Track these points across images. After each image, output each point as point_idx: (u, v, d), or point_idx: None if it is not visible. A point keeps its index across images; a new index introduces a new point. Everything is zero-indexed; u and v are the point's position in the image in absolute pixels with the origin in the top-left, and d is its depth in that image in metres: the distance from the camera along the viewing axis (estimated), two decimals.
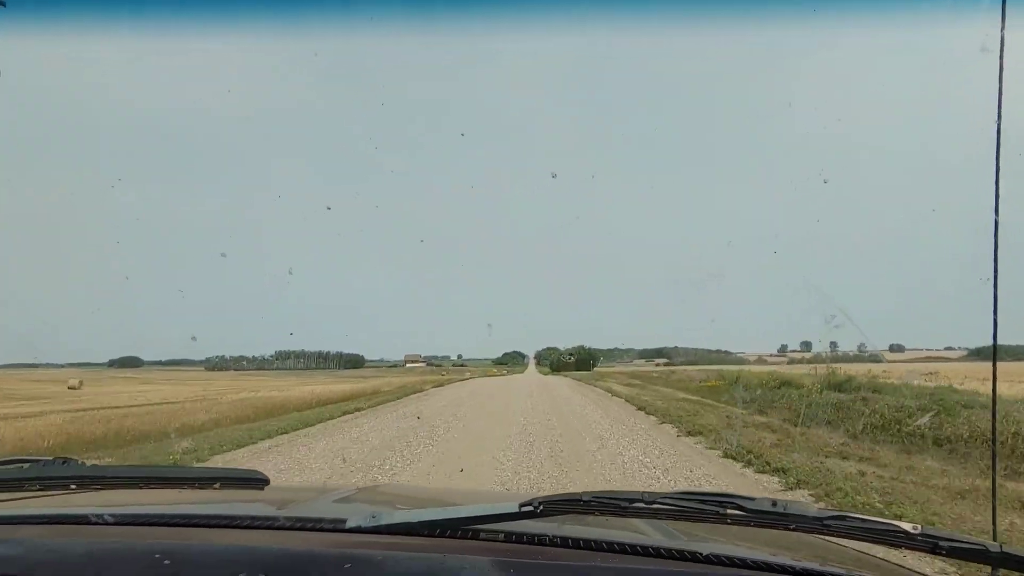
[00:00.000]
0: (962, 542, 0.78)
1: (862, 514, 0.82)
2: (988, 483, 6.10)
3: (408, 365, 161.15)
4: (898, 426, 10.08)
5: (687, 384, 26.44)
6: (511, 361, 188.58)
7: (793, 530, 0.84)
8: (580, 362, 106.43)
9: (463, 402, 19.68)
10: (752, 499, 0.84)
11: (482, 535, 0.85)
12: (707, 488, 6.08)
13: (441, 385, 34.34)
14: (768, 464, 7.33)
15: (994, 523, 1.86)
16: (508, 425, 12.60)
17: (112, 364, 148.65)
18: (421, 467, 7.84)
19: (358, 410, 16.26)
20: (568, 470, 7.51)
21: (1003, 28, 0.95)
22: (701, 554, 0.81)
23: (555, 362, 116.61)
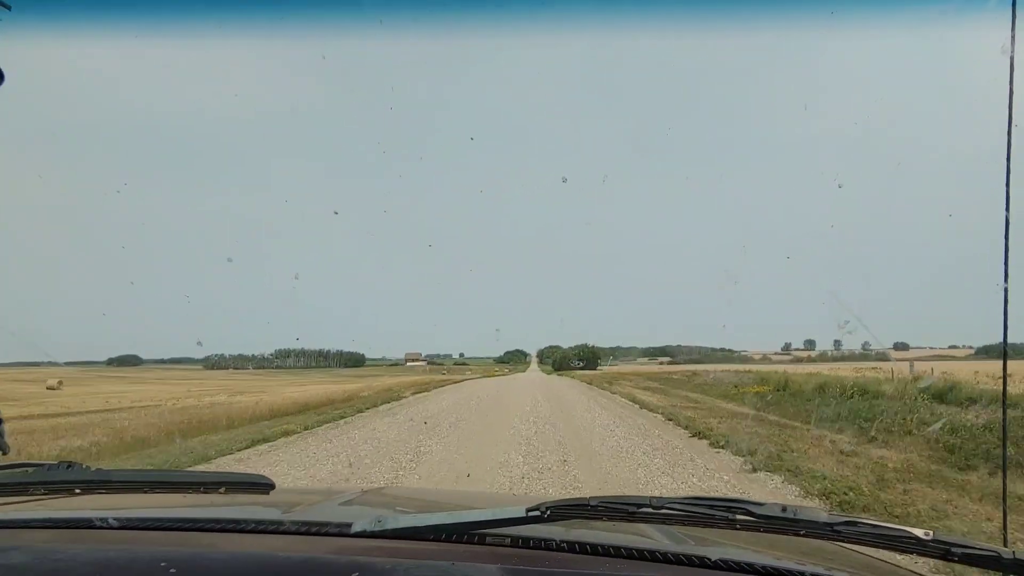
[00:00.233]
0: (974, 548, 0.78)
1: (873, 519, 0.82)
2: None
3: (408, 364, 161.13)
4: None
5: (722, 389, 21.26)
6: (513, 360, 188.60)
7: (804, 536, 0.83)
8: (584, 361, 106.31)
9: (438, 423, 12.88)
10: (762, 504, 0.83)
11: (489, 540, 0.85)
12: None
13: (426, 391, 26.76)
14: None
15: (1004, 529, 1.85)
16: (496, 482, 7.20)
17: (111, 362, 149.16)
18: None
19: (292, 432, 11.42)
20: None
21: (1013, 29, 0.96)
22: (710, 559, 0.80)
23: (557, 361, 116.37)
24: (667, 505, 0.84)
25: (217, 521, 0.95)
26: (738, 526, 0.83)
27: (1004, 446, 1.92)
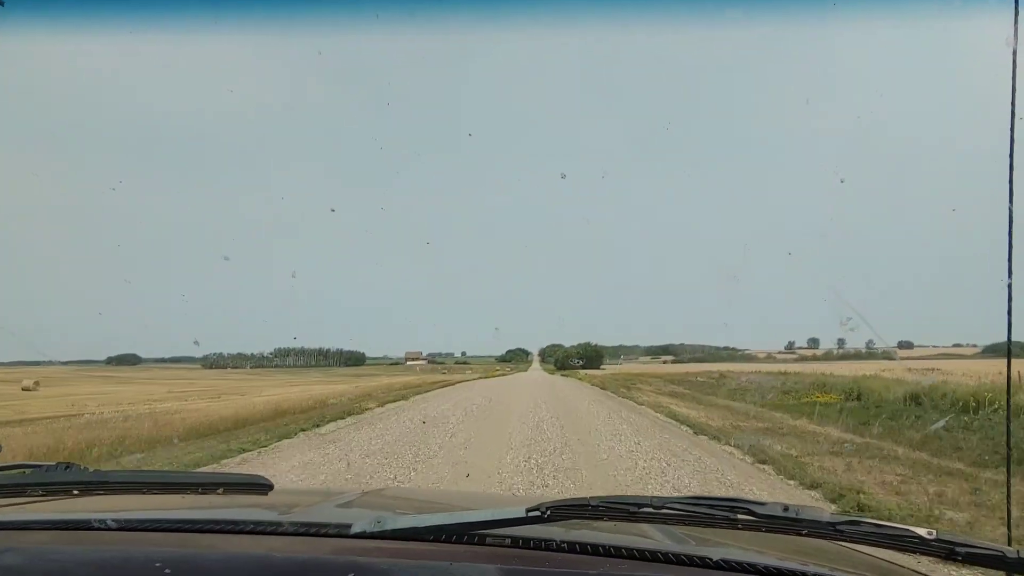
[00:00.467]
0: (978, 548, 0.78)
1: (876, 519, 0.82)
2: None
3: (409, 363, 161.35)
4: None
5: (773, 398, 17.90)
6: (515, 358, 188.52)
7: (806, 535, 0.84)
8: (587, 360, 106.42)
9: (387, 461, 8.68)
10: (763, 504, 0.83)
11: (489, 540, 0.85)
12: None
13: (403, 398, 21.56)
14: None
15: (1009, 528, 1.86)
16: None
17: (111, 361, 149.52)
18: None
19: (246, 451, 9.81)
20: None
21: (1016, 22, 0.95)
22: (712, 559, 0.80)
23: (560, 360, 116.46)
24: (668, 505, 0.84)
25: (215, 522, 0.96)
26: (740, 526, 0.83)
27: (1008, 444, 1.92)
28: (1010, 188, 1.20)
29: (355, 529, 0.86)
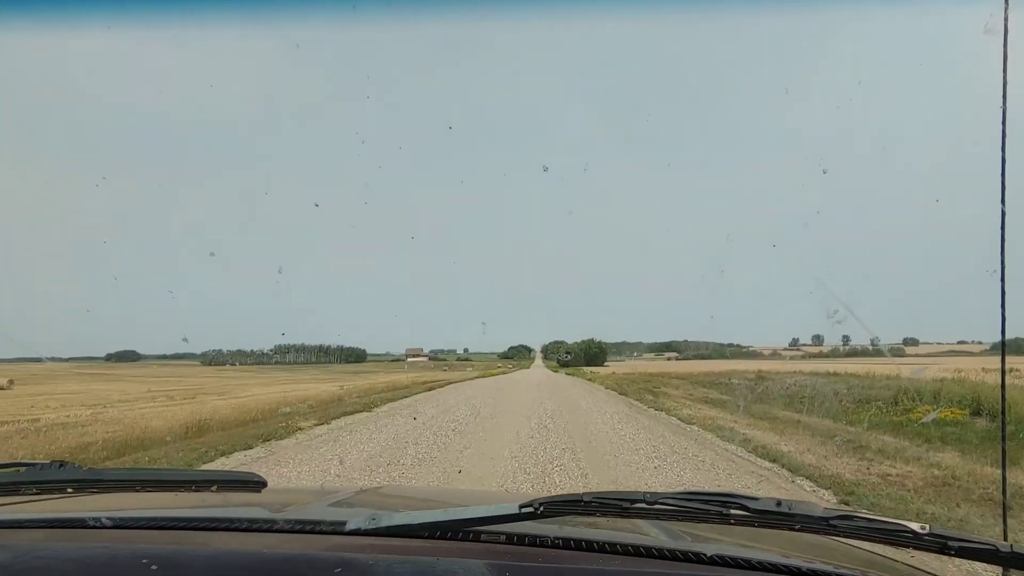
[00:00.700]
0: (972, 542, 0.78)
1: (869, 513, 0.82)
2: None
3: (409, 360, 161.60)
4: None
5: (856, 412, 13.79)
6: (517, 355, 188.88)
7: (799, 530, 0.84)
8: (590, 357, 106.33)
9: None
10: (756, 499, 0.84)
11: (483, 537, 0.86)
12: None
13: (374, 406, 16.68)
14: None
15: (1004, 522, 1.86)
16: None
17: (110, 358, 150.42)
18: None
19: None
20: None
21: (1007, 9, 0.94)
22: (705, 555, 0.81)
23: (563, 357, 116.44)
24: (661, 500, 0.84)
25: (209, 520, 0.96)
26: (733, 521, 0.84)
27: (1003, 439, 1.92)
28: (1002, 179, 1.19)
29: (349, 526, 0.87)
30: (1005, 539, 0.91)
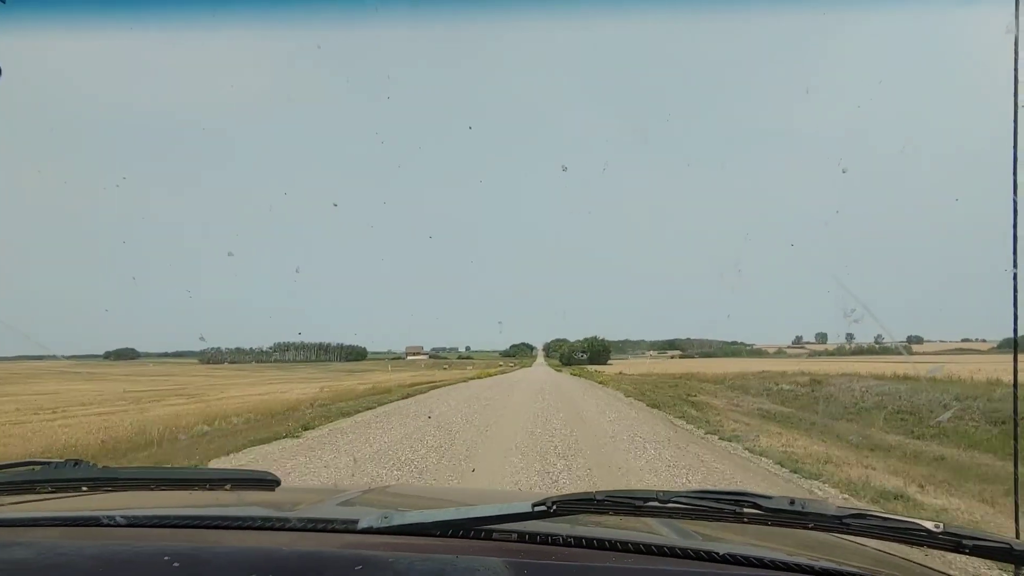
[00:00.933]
0: (985, 540, 0.78)
1: (882, 512, 0.83)
2: None
3: (409, 358, 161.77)
4: None
5: (980, 430, 10.81)
6: (519, 353, 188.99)
7: (812, 529, 0.85)
8: (594, 355, 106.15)
9: None
10: (770, 497, 0.84)
11: (495, 535, 0.87)
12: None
13: (308, 429, 12.13)
14: None
15: (1016, 521, 1.88)
16: None
17: (108, 356, 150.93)
18: None
19: None
20: None
21: (1017, 9, 0.96)
22: (718, 553, 0.81)
23: (566, 355, 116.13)
24: (674, 499, 0.85)
25: (223, 518, 0.98)
26: (746, 520, 0.85)
27: (1015, 436, 1.94)
28: (1014, 176, 1.21)
29: (362, 524, 0.88)
30: (1018, 537, 0.94)
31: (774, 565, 0.80)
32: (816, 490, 7.03)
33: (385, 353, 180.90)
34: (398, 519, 0.88)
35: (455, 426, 12.48)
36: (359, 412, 15.56)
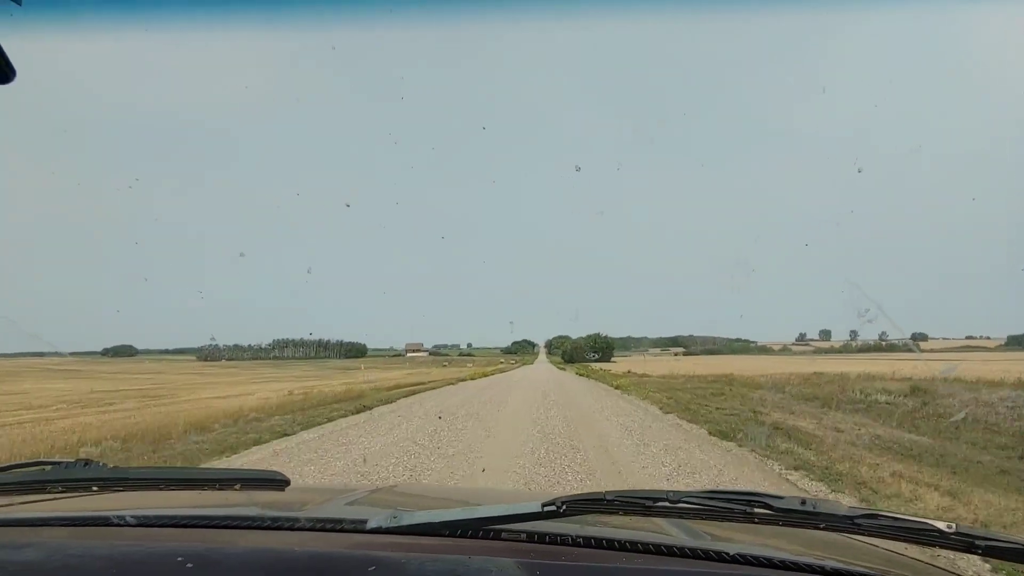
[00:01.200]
0: (1000, 541, 0.78)
1: (894, 512, 0.83)
2: None
3: (409, 355, 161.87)
4: None
5: None
6: (521, 350, 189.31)
7: (823, 529, 0.85)
8: (597, 352, 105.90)
9: None
10: (781, 498, 0.85)
11: (504, 535, 0.87)
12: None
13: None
14: None
15: None
16: None
17: (107, 353, 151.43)
18: None
19: None
20: None
21: None
22: (728, 554, 0.81)
23: (568, 352, 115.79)
24: (684, 499, 0.85)
25: (233, 518, 0.99)
26: (757, 520, 0.85)
27: None
28: None
29: (371, 524, 0.89)
30: None
31: (784, 565, 0.80)
32: None
33: (386, 350, 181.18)
34: (407, 519, 0.89)
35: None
36: (278, 438, 10.57)
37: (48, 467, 1.24)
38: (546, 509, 0.85)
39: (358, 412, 15.36)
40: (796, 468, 7.56)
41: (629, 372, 34.91)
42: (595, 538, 0.87)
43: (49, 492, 1.17)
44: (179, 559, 0.77)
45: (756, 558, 0.81)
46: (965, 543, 0.78)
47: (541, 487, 6.63)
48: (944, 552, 0.89)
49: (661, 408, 14.59)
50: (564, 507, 0.85)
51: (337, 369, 63.84)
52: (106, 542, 0.89)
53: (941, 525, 0.79)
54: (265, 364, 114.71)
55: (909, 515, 0.82)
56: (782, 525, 0.86)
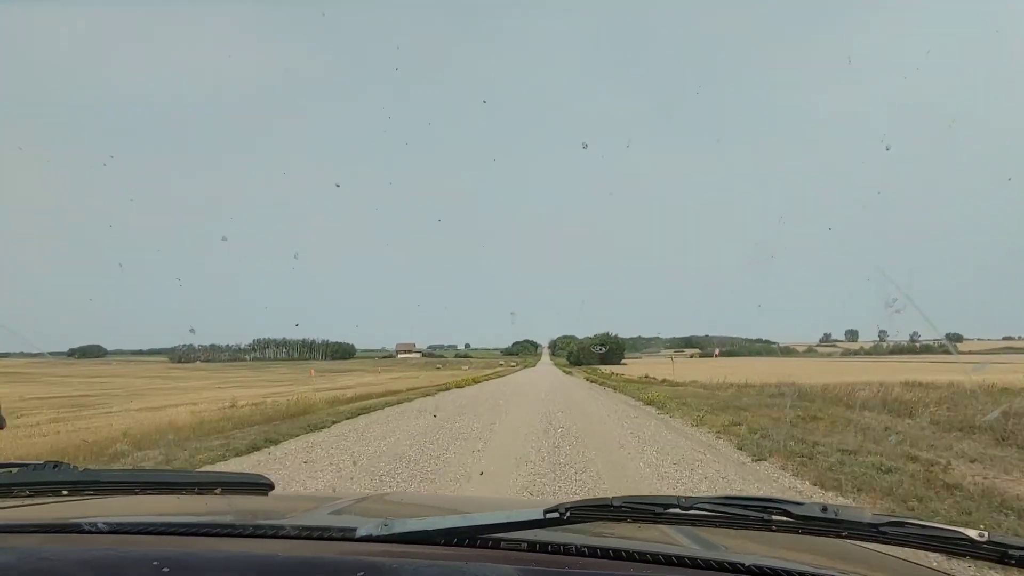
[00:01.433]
0: None
1: (921, 520, 0.82)
2: None
3: (400, 356, 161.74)
4: None
5: None
6: (522, 351, 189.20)
7: (846, 537, 0.84)
8: (605, 353, 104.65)
9: None
10: (800, 504, 0.83)
11: (503, 544, 0.86)
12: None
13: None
14: None
15: None
16: None
17: (72, 353, 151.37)
18: None
19: None
20: None
21: None
22: (743, 564, 0.81)
23: (574, 353, 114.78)
24: (697, 505, 0.84)
25: (213, 525, 0.97)
26: (774, 527, 0.84)
27: None
28: None
29: (361, 532, 0.89)
30: None
31: None
32: None
33: (377, 351, 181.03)
34: (399, 527, 0.89)
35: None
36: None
37: (15, 469, 1.20)
38: (549, 516, 0.84)
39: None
40: None
41: (647, 377, 31.05)
42: (601, 547, 0.87)
43: (16, 496, 1.14)
44: (155, 563, 0.78)
45: (774, 570, 0.80)
46: (998, 553, 0.78)
47: None
48: (976, 562, 0.95)
49: (743, 450, 8.80)
50: (568, 514, 0.84)
51: (319, 372, 63.42)
52: (82, 546, 0.90)
53: (972, 533, 0.78)
54: (242, 366, 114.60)
55: (938, 523, 0.82)
56: (802, 533, 0.85)
